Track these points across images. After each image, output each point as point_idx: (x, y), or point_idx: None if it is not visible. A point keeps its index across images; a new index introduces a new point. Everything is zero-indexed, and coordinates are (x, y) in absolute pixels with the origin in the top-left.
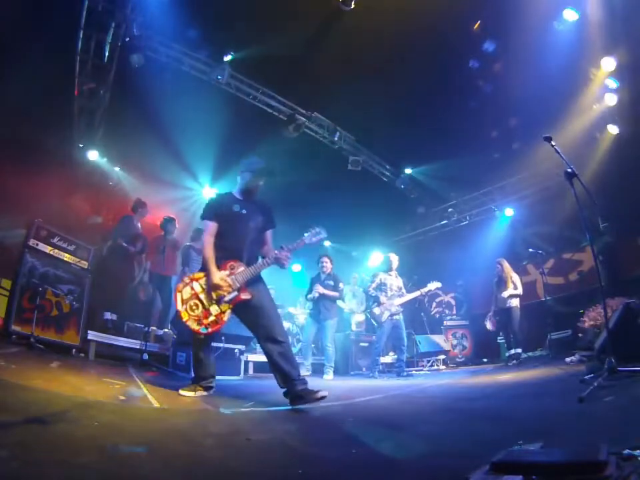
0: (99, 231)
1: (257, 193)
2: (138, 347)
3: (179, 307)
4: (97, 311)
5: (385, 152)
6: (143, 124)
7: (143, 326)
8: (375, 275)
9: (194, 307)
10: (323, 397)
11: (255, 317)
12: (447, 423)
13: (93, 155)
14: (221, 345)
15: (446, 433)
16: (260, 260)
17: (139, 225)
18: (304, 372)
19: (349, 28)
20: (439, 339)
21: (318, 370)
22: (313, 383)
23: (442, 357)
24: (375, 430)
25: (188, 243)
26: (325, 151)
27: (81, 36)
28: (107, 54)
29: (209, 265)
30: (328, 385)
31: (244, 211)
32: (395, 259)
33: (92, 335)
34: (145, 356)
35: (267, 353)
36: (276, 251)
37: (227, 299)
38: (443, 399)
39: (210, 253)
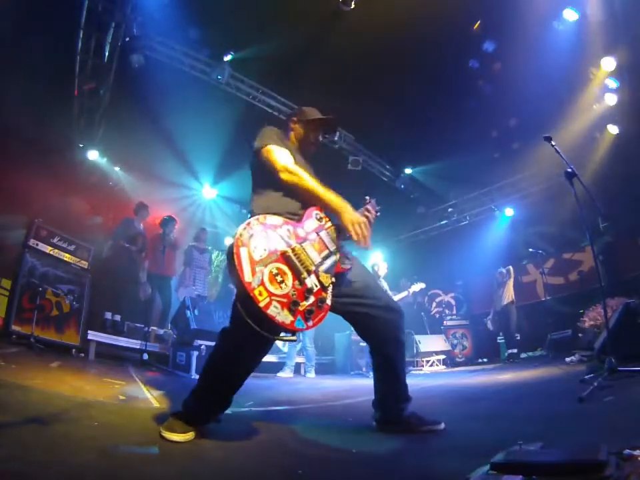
0: (99, 231)
1: (313, 150)
2: (138, 347)
3: (247, 276)
4: (99, 312)
5: (385, 152)
6: (143, 124)
7: (143, 326)
8: None
9: (279, 279)
10: (432, 431)
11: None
12: (447, 423)
13: (92, 155)
14: None
15: (446, 432)
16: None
17: (141, 226)
18: (287, 373)
19: (349, 28)
20: (438, 339)
21: (319, 370)
22: (296, 379)
23: (442, 356)
24: (375, 430)
25: (191, 243)
26: (325, 151)
27: (81, 36)
28: (106, 54)
29: (317, 191)
30: (330, 384)
31: (307, 164)
32: (382, 267)
33: (92, 334)
34: (145, 356)
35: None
36: (368, 205)
37: (325, 265)
38: (442, 399)
39: (308, 177)
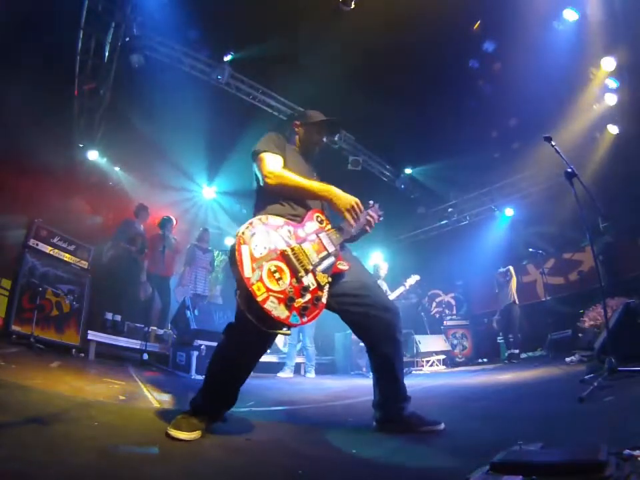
0: (99, 231)
1: (315, 153)
2: (138, 347)
3: (247, 272)
4: (99, 312)
5: (385, 152)
6: (143, 124)
7: (143, 326)
8: None
9: (277, 276)
10: (432, 431)
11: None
12: (447, 423)
13: (92, 155)
14: None
15: (446, 432)
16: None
17: (141, 227)
18: (287, 373)
19: (349, 28)
20: (438, 339)
21: (319, 370)
22: (296, 379)
23: (442, 356)
24: (375, 430)
25: (194, 242)
26: (325, 151)
27: (81, 36)
28: (106, 54)
29: (302, 184)
30: (330, 384)
31: (309, 167)
32: (383, 267)
33: (92, 334)
34: (145, 356)
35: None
36: (371, 210)
37: (323, 266)
38: (442, 399)
39: (297, 177)
